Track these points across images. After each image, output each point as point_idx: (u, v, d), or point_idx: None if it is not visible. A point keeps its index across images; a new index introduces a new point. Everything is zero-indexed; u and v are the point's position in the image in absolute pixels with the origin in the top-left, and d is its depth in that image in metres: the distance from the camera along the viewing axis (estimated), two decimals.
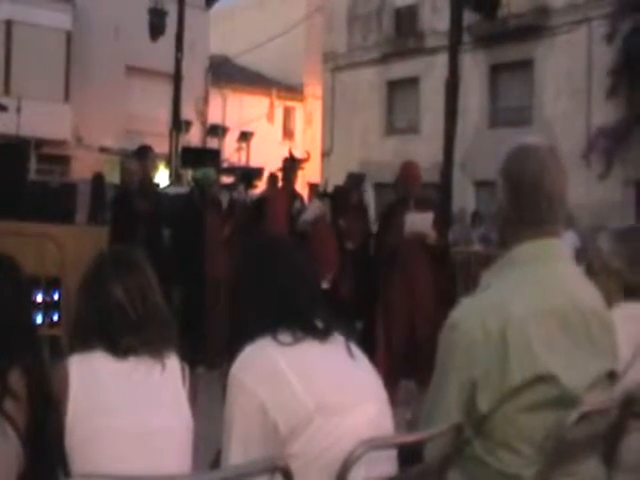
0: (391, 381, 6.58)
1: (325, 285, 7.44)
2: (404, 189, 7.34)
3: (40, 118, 22.26)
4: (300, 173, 10.02)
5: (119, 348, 2.30)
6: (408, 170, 7.41)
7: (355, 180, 9.54)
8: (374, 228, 8.26)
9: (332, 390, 2.17)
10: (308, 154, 13.02)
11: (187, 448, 2.31)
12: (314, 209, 8.59)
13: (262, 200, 9.22)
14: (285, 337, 2.20)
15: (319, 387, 2.14)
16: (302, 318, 2.26)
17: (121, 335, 2.32)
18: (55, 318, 8.17)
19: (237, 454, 2.10)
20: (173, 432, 2.27)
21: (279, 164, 9.32)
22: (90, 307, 2.41)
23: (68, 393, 2.21)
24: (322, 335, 2.25)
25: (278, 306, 2.28)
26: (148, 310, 2.40)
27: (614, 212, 17.77)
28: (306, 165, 13.85)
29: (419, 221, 7.01)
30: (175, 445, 2.26)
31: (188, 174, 17.96)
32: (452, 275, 8.87)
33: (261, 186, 13.12)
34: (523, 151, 2.46)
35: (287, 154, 9.33)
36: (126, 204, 8.08)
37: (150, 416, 2.24)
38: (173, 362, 2.40)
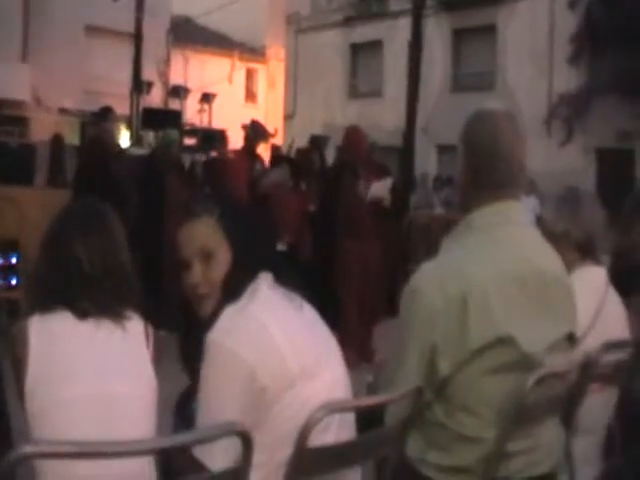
0: (349, 332, 6.83)
1: (282, 247, 7.51)
2: (351, 155, 7.44)
3: None
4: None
5: (78, 308, 2.24)
6: (354, 136, 7.53)
7: (317, 143, 9.53)
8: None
9: (309, 352, 2.16)
10: (276, 130, 12.93)
11: (151, 414, 2.27)
12: (275, 173, 8.58)
13: (214, 161, 9.08)
14: (264, 296, 2.18)
15: (301, 350, 2.13)
16: (275, 275, 2.25)
17: (79, 294, 2.25)
18: (13, 282, 8.07)
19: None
20: (137, 397, 2.23)
21: (241, 126, 9.24)
22: (48, 264, 2.34)
23: (27, 356, 2.15)
24: (290, 292, 2.25)
25: (265, 255, 2.27)
26: (109, 268, 2.31)
27: (575, 179, 17.90)
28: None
29: (379, 187, 7.30)
30: (139, 411, 2.22)
31: (149, 136, 17.79)
32: (405, 237, 9.09)
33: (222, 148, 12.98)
34: (479, 116, 2.49)
35: (250, 119, 9.26)
36: (102, 169, 7.95)
37: (113, 381, 2.20)
38: (136, 323, 2.34)
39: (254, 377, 2.05)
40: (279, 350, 2.09)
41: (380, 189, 7.35)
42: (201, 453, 2.03)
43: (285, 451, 1.97)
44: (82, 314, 2.24)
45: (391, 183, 7.47)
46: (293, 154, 10.64)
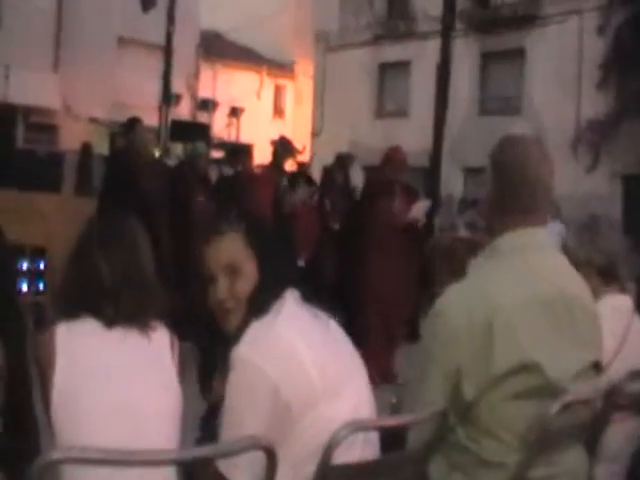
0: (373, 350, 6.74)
1: (300, 263, 7.50)
2: (391, 173, 7.37)
3: (29, 87, 22.07)
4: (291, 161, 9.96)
5: (104, 316, 2.25)
6: (397, 154, 7.48)
7: (342, 161, 9.52)
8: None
9: (333, 370, 2.16)
10: (304, 147, 12.93)
11: (175, 425, 2.27)
12: (301, 192, 8.60)
13: (240, 175, 9.07)
14: (290, 313, 2.19)
15: (325, 368, 2.13)
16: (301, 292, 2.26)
17: (104, 303, 2.27)
18: (41, 287, 8.14)
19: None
20: (162, 408, 2.23)
21: (269, 141, 9.25)
22: (73, 275, 2.36)
23: (55, 363, 2.16)
24: (318, 312, 2.26)
25: (289, 272, 2.29)
26: (131, 278, 2.33)
27: (601, 205, 17.82)
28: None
29: (419, 209, 7.37)
30: (163, 422, 2.23)
31: (177, 148, 17.84)
32: (432, 258, 9.00)
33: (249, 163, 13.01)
34: (508, 140, 2.52)
35: (279, 135, 9.27)
36: (128, 179, 7.96)
37: (139, 391, 2.21)
38: (162, 333, 2.35)
39: (278, 394, 2.05)
40: (304, 367, 2.09)
41: (420, 210, 7.38)
42: (226, 468, 2.03)
43: (308, 468, 1.97)
44: (108, 322, 2.25)
45: (428, 206, 7.45)
46: (313, 170, 10.58)
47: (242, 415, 2.08)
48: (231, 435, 2.08)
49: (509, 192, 2.43)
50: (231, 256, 2.25)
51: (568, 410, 2.28)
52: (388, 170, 7.40)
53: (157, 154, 16.92)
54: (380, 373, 6.61)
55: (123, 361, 2.23)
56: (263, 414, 2.06)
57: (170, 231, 7.98)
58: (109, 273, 2.31)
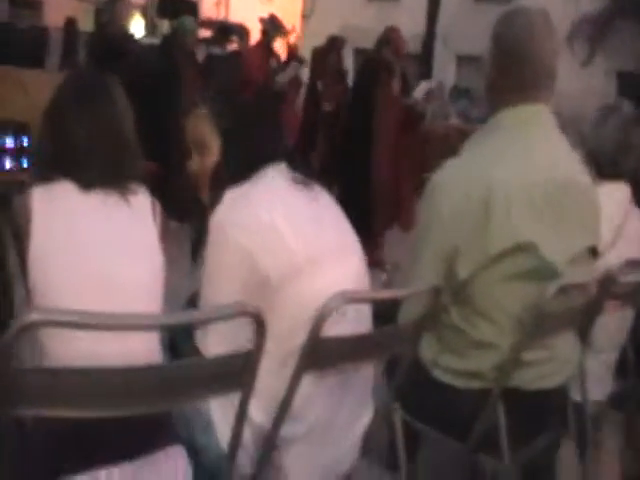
0: (370, 234, 6.75)
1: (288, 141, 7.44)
2: (390, 54, 7.17)
3: None
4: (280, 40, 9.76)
5: (82, 179, 2.14)
6: (395, 34, 7.25)
7: (336, 42, 9.32)
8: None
9: (319, 240, 2.10)
10: (293, 27, 12.64)
11: (157, 296, 2.18)
12: (290, 70, 8.44)
13: (235, 54, 8.92)
14: (271, 181, 2.15)
15: (308, 236, 2.08)
16: (285, 161, 2.21)
17: (81, 164, 2.15)
18: (24, 164, 8.01)
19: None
20: (143, 278, 2.15)
21: (258, 19, 9.04)
22: (49, 135, 2.24)
23: (31, 227, 2.05)
24: (303, 181, 2.18)
25: (262, 148, 2.23)
26: (110, 137, 2.21)
27: (595, 101, 17.66)
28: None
29: (420, 90, 7.39)
30: (144, 292, 2.14)
31: (164, 25, 17.44)
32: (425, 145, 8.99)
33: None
34: (513, 14, 2.37)
35: (268, 13, 9.05)
36: (113, 51, 7.79)
37: (119, 259, 2.12)
38: (143, 198, 2.24)
39: (255, 264, 2.00)
40: (282, 237, 2.03)
41: (420, 92, 7.34)
42: (199, 338, 2.04)
43: (295, 340, 1.93)
44: (86, 185, 2.15)
45: (428, 89, 7.38)
46: (304, 52, 10.40)
47: (220, 283, 2.06)
48: (208, 302, 2.07)
49: (510, 67, 2.32)
50: (198, 132, 2.34)
51: (563, 294, 2.22)
52: (386, 51, 7.20)
53: (143, 32, 16.60)
54: (372, 259, 6.60)
55: (103, 226, 2.13)
56: (241, 283, 2.02)
57: (157, 105, 7.82)
58: (85, 131, 2.19)
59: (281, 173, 2.19)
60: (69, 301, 2.01)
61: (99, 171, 2.16)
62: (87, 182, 2.14)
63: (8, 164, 7.88)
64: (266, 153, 2.22)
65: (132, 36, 8.91)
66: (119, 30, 8.21)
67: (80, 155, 2.17)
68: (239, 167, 2.20)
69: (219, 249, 2.06)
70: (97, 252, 2.08)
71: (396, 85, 7.17)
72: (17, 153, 7.97)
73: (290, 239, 2.03)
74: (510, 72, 2.33)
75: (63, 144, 2.21)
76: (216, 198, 2.13)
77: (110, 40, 8.02)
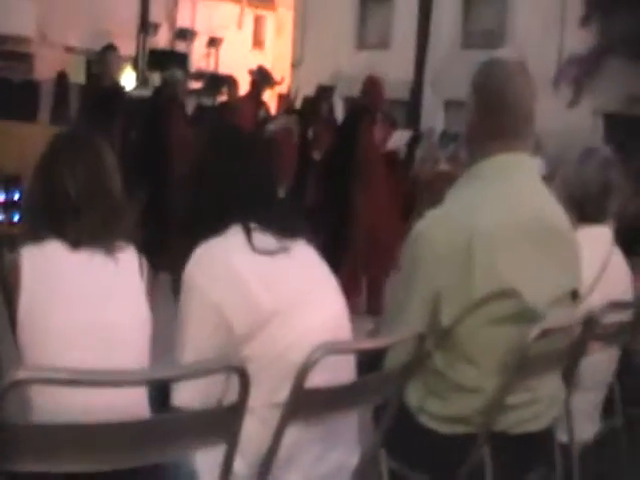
0: (353, 278, 6.90)
1: (281, 194, 7.46)
2: (370, 102, 7.42)
3: (3, 14, 21.56)
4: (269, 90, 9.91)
5: (69, 238, 2.20)
6: (375, 83, 7.52)
7: (326, 91, 9.45)
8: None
9: (289, 292, 2.13)
10: (282, 78, 12.82)
11: (143, 343, 2.24)
12: (280, 120, 8.55)
13: (225, 105, 9.05)
14: (240, 236, 2.15)
15: (276, 288, 2.10)
16: (260, 215, 2.20)
17: (69, 223, 2.21)
18: (15, 218, 8.03)
19: (189, 355, 2.08)
20: (130, 327, 2.20)
21: (247, 71, 9.18)
22: (38, 194, 2.31)
23: (20, 283, 2.12)
24: (283, 237, 2.20)
25: (241, 201, 2.22)
26: (97, 195, 2.27)
27: (581, 141, 17.76)
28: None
29: (399, 138, 7.47)
30: (131, 341, 2.20)
31: (154, 78, 17.60)
32: (413, 190, 9.07)
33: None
34: (491, 63, 2.45)
35: (257, 65, 9.19)
36: (102, 104, 7.87)
37: (104, 308, 2.17)
38: (129, 254, 2.30)
39: (221, 312, 2.05)
40: (246, 285, 2.07)
41: (399, 140, 7.46)
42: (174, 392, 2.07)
43: (278, 393, 1.96)
44: (74, 244, 2.20)
45: (410, 136, 7.57)
46: (298, 102, 10.53)
47: (192, 333, 2.10)
48: (180, 354, 2.11)
49: (490, 116, 2.38)
50: None
51: (547, 336, 2.25)
52: (367, 99, 7.45)
53: (134, 84, 16.73)
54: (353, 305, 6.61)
55: (89, 282, 2.18)
56: (211, 333, 2.07)
57: (148, 156, 7.89)
58: (73, 190, 2.26)
59: (252, 227, 2.18)
60: (58, 352, 2.06)
61: (87, 230, 2.21)
62: (75, 241, 2.18)
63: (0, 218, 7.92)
64: (235, 201, 2.23)
65: (123, 88, 9.02)
66: (110, 82, 8.32)
67: (69, 212, 2.22)
68: (210, 213, 2.22)
69: (189, 299, 2.11)
70: (84, 304, 2.13)
71: (378, 132, 7.34)
72: (8, 206, 7.99)
73: (256, 289, 2.07)
74: (490, 121, 2.38)
75: (52, 200, 2.26)
76: (187, 247, 2.17)
77: (101, 93, 8.11)
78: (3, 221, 7.90)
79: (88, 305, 2.14)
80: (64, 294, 2.13)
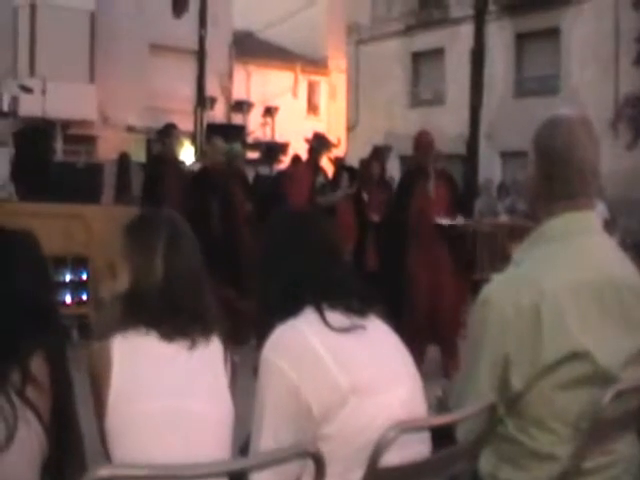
0: (415, 345, 6.74)
1: (347, 258, 7.50)
2: (422, 158, 7.51)
3: (66, 99, 22.25)
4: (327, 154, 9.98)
5: (163, 330, 2.22)
6: (423, 138, 7.60)
7: (378, 152, 9.51)
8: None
9: (366, 370, 2.12)
10: (339, 140, 12.97)
11: (227, 435, 2.25)
12: (340, 192, 8.65)
13: (282, 175, 9.17)
14: (315, 316, 2.15)
15: (353, 367, 2.09)
16: (332, 293, 2.20)
17: (163, 315, 2.23)
18: (84, 297, 8.21)
19: (267, 440, 2.06)
20: (214, 416, 2.22)
21: (304, 139, 9.28)
22: (135, 280, 2.30)
23: (110, 374, 2.15)
24: (357, 314, 2.20)
25: (311, 281, 2.22)
26: (190, 287, 2.30)
27: None
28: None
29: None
30: (216, 429, 2.21)
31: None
32: (470, 256, 9.01)
33: (286, 161, 13.04)
34: (553, 122, 2.41)
35: (313, 132, 9.29)
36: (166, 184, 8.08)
37: (192, 398, 2.19)
38: (216, 347, 2.32)
39: (298, 394, 2.04)
40: (324, 367, 2.06)
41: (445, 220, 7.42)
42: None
43: (355, 472, 1.94)
44: (167, 336, 2.23)
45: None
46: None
47: (270, 417, 2.08)
48: (257, 439, 2.09)
49: (555, 178, 2.36)
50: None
51: (620, 398, 2.21)
52: (418, 155, 7.55)
53: (193, 159, 17.04)
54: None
55: (178, 371, 2.21)
56: (289, 415, 2.05)
57: (219, 233, 8.03)
58: (169, 282, 2.28)
59: (324, 307, 2.18)
60: (145, 439, 2.11)
61: (182, 324, 2.23)
62: (167, 334, 2.21)
63: (68, 298, 8.07)
64: (305, 282, 2.22)
65: (183, 163, 9.24)
66: (171, 158, 8.54)
67: (161, 305, 2.25)
68: (277, 300, 2.23)
69: (267, 382, 2.09)
70: (172, 391, 2.17)
71: (431, 185, 7.39)
72: (76, 286, 8.17)
73: (334, 370, 2.05)
74: (556, 183, 2.36)
75: (145, 292, 2.27)
76: (262, 334, 2.16)
77: (162, 169, 8.31)
78: (72, 300, 8.08)
79: (174, 393, 2.18)
80: (152, 383, 2.17)
